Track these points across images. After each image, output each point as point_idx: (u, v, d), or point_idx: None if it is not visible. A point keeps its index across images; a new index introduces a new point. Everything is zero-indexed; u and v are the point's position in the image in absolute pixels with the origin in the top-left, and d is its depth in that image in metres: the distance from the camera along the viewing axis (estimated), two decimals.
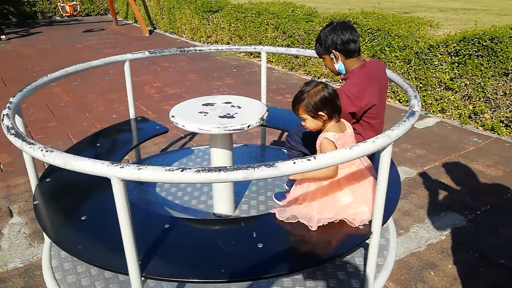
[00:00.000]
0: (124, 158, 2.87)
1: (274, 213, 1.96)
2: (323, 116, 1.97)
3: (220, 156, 2.48)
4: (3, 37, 9.97)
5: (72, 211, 2.02)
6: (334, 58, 2.33)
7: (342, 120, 2.07)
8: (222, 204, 2.62)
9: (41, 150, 1.46)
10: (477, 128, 4.55)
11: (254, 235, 1.82)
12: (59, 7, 13.01)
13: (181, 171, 1.28)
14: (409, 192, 3.23)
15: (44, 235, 2.32)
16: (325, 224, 1.87)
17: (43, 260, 2.31)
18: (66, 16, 13.37)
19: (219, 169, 1.29)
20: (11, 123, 1.71)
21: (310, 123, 2.02)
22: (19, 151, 1.55)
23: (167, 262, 1.67)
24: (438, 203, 3.08)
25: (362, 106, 2.21)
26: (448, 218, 2.89)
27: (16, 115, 1.95)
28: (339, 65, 2.34)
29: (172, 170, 1.28)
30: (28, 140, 1.55)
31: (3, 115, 1.80)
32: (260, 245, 1.75)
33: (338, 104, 1.97)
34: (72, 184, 2.28)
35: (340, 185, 1.98)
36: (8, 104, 1.94)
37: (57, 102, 5.54)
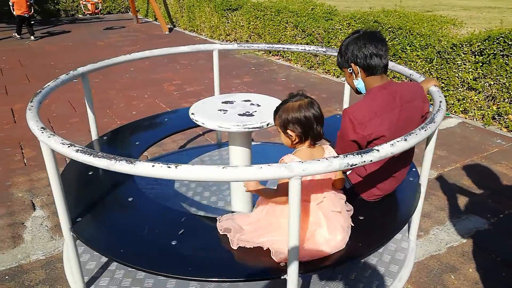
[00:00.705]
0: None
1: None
2: (291, 136, 1.73)
3: (239, 154, 2.48)
4: (32, 38, 10.12)
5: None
6: (353, 74, 1.97)
7: (324, 147, 1.79)
8: (239, 201, 2.62)
9: (63, 143, 1.50)
10: (500, 129, 4.44)
11: None
12: (82, 5, 13.24)
13: (176, 167, 1.29)
14: (429, 193, 3.17)
15: None
16: (244, 246, 1.71)
17: (64, 253, 2.36)
18: (88, 14, 13.59)
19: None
20: (36, 117, 1.75)
21: (282, 138, 1.79)
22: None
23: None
24: (459, 205, 3.02)
25: (365, 134, 1.82)
26: (470, 221, 2.83)
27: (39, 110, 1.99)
28: (358, 82, 1.98)
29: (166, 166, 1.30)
30: (51, 134, 1.58)
31: (29, 109, 1.84)
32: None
33: (315, 129, 1.69)
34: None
35: (282, 213, 1.73)
36: (33, 98, 1.98)
37: (79, 99, 5.64)
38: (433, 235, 2.70)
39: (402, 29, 5.46)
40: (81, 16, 14.70)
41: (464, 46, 4.68)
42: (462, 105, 4.81)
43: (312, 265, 1.65)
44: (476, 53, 4.58)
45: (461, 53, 4.71)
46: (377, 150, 1.40)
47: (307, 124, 1.67)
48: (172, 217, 1.98)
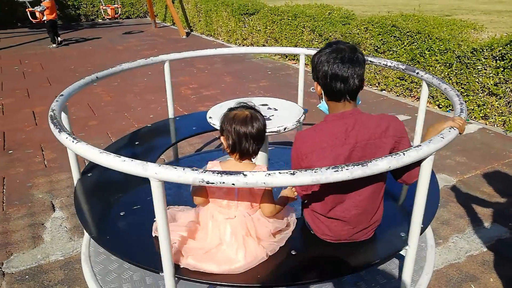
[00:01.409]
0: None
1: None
2: (223, 143, 1.66)
3: (255, 158, 2.48)
4: (54, 45, 10.09)
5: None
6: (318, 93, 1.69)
7: (258, 166, 1.66)
8: None
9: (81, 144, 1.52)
10: None
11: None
12: (101, 10, 13.49)
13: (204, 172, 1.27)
14: (448, 200, 3.12)
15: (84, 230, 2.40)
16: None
17: (83, 254, 2.39)
18: (107, 18, 13.84)
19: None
20: (59, 120, 1.78)
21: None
22: (63, 147, 1.61)
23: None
24: (479, 213, 2.96)
25: (304, 166, 1.57)
26: (490, 229, 2.76)
27: (62, 113, 2.02)
28: (322, 105, 1.69)
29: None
30: (74, 137, 1.61)
31: (51, 112, 1.88)
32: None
33: (243, 145, 1.59)
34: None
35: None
36: (55, 101, 2.01)
37: (98, 102, 5.74)
38: (453, 243, 2.64)
39: (420, 34, 5.40)
40: (101, 20, 14.99)
41: (485, 50, 4.59)
42: (482, 111, 4.72)
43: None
44: (497, 58, 4.50)
45: (482, 58, 4.62)
46: (245, 175, 1.22)
47: (236, 139, 1.59)
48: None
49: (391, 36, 5.79)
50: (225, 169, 1.60)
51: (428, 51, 5.25)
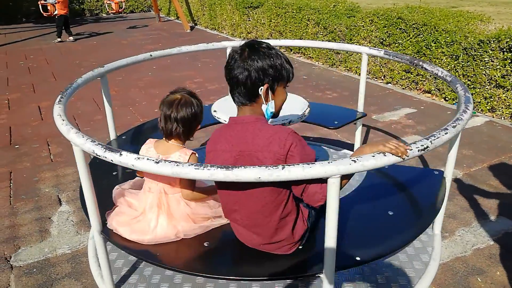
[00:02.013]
0: None
1: None
2: None
3: None
4: (71, 38, 10.04)
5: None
6: None
7: (181, 149, 1.77)
8: None
9: (88, 141, 1.53)
10: None
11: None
12: (106, 4, 13.47)
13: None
14: (454, 193, 3.10)
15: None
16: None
17: (89, 247, 2.40)
18: (112, 13, 13.82)
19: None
20: (63, 115, 1.78)
21: None
22: (68, 142, 1.62)
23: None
24: (486, 206, 2.94)
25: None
26: (497, 222, 2.75)
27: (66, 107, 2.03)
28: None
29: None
30: (77, 133, 1.61)
31: (56, 107, 1.88)
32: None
33: (166, 126, 1.74)
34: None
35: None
36: (60, 96, 2.02)
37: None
38: (459, 236, 2.63)
39: (426, 26, 5.35)
40: (105, 15, 14.98)
41: (492, 42, 4.54)
42: (489, 104, 4.67)
43: None
44: (504, 49, 4.44)
45: (489, 50, 4.57)
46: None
47: (162, 119, 1.76)
48: None
49: (396, 29, 5.74)
50: (155, 146, 1.80)
51: (434, 43, 5.20)
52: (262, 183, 1.30)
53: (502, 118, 4.57)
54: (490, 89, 4.65)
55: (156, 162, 1.28)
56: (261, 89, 1.49)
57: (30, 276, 2.38)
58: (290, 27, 7.96)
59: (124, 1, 13.49)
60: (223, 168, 1.23)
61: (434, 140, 1.41)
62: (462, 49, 4.87)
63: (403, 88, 5.77)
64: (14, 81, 6.64)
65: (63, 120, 1.67)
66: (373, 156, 1.32)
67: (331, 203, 1.34)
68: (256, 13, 9.05)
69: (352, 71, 6.67)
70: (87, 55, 8.47)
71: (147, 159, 1.29)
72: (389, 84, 5.99)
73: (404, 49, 5.61)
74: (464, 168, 3.48)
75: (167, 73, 6.88)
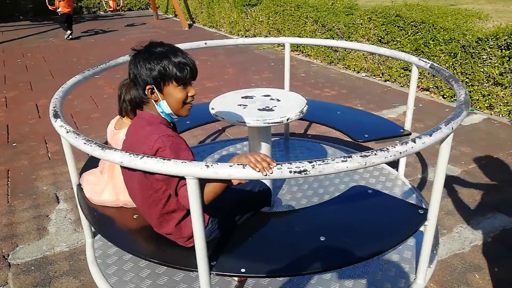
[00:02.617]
0: None
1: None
2: None
3: (258, 149, 2.48)
4: (68, 32, 9.87)
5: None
6: None
7: (126, 124, 2.03)
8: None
9: (85, 142, 1.53)
10: None
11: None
12: (103, 2, 13.44)
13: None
14: (452, 190, 3.11)
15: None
16: None
17: (87, 245, 2.40)
18: (109, 11, 13.79)
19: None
20: (60, 114, 1.78)
21: None
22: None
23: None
24: (484, 203, 2.95)
25: None
26: (495, 219, 2.75)
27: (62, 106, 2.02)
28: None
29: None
30: (75, 132, 1.61)
31: (52, 106, 1.87)
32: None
33: (120, 105, 2.04)
34: None
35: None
36: (56, 96, 2.01)
37: (101, 94, 5.73)
38: (457, 233, 2.64)
39: (425, 23, 5.34)
40: (102, 13, 14.92)
41: (490, 40, 4.54)
42: (487, 101, 4.68)
43: None
44: (502, 47, 4.45)
45: (487, 47, 4.58)
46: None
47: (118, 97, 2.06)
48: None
49: (395, 26, 5.74)
50: (116, 122, 2.13)
51: (432, 40, 5.20)
52: (138, 177, 1.60)
53: (500, 116, 4.57)
54: (488, 87, 4.66)
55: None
56: (146, 90, 1.57)
57: (28, 274, 2.38)
58: (288, 25, 7.95)
59: None
60: (99, 146, 1.44)
61: (316, 165, 1.29)
62: (460, 47, 4.87)
63: (402, 86, 5.78)
64: (11, 79, 6.61)
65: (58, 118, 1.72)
66: (231, 166, 1.29)
67: (192, 204, 1.38)
68: (254, 10, 9.04)
69: (350, 69, 6.67)
70: (85, 53, 8.45)
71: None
72: (388, 82, 5.99)
73: (402, 47, 5.61)
74: (462, 165, 3.48)
75: None
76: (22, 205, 3.08)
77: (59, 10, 9.77)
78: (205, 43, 3.01)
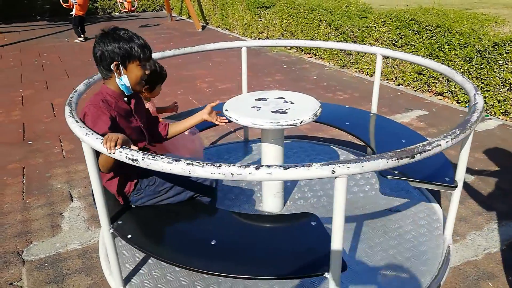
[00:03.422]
0: None
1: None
2: None
3: (271, 151, 2.48)
4: (80, 38, 9.98)
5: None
6: None
7: None
8: (270, 200, 2.62)
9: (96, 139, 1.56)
10: None
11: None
12: (118, 3, 13.58)
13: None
14: (466, 197, 3.07)
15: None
16: None
17: (100, 243, 2.43)
18: (124, 12, 13.93)
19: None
20: (74, 113, 1.81)
21: None
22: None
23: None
24: (498, 210, 2.90)
25: None
26: (509, 227, 2.71)
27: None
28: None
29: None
30: (88, 132, 1.63)
31: (67, 105, 1.90)
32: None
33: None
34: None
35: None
36: (72, 95, 2.04)
37: None
38: (470, 240, 2.60)
39: (440, 27, 5.30)
40: (117, 14, 15.10)
41: (507, 45, 4.48)
42: (503, 107, 4.61)
43: None
44: None
45: (503, 52, 4.51)
46: None
47: None
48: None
49: (409, 30, 5.69)
50: None
51: (447, 45, 5.15)
52: None
53: None
54: (504, 92, 4.59)
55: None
56: (112, 65, 1.83)
57: (42, 270, 2.41)
58: (301, 28, 7.94)
59: (136, 0, 13.61)
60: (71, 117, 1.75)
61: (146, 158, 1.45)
62: (476, 52, 4.82)
63: (415, 90, 5.73)
64: (27, 78, 6.73)
65: (74, 118, 1.76)
66: (97, 138, 1.57)
67: (89, 166, 1.77)
68: (267, 13, 9.05)
69: (363, 72, 6.64)
70: None
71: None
72: (401, 86, 5.95)
73: (416, 51, 5.56)
74: (476, 171, 3.44)
75: (178, 72, 6.92)
76: (36, 202, 3.13)
77: (73, 12, 9.88)
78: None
